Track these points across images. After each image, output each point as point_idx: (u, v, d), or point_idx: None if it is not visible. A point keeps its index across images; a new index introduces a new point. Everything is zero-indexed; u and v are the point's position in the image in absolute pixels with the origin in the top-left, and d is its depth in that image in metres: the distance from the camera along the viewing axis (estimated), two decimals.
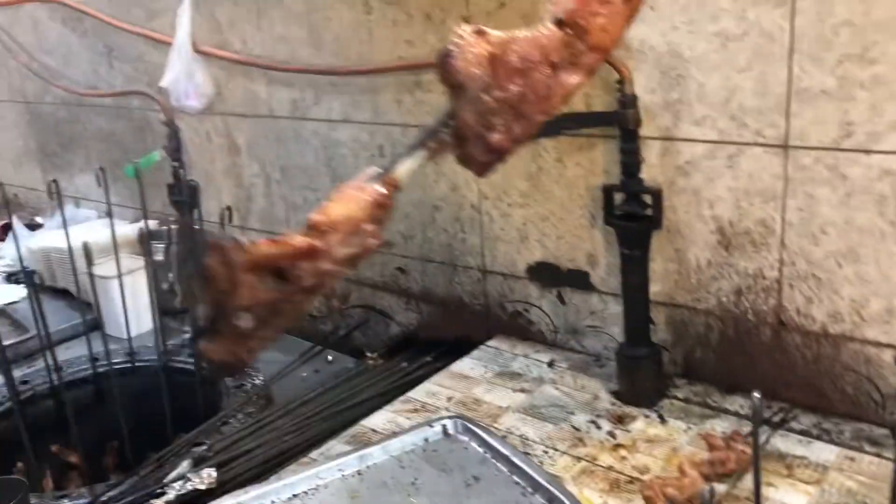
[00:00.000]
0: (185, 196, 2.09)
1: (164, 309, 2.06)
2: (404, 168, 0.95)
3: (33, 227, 2.83)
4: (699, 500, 1.17)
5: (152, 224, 2.21)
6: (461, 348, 1.79)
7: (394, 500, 1.23)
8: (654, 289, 1.52)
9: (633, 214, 1.47)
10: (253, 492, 1.25)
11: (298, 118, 2.03)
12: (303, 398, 1.68)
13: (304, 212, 2.09)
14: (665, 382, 1.54)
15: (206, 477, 1.37)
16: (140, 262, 2.16)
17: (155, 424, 1.87)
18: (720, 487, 1.22)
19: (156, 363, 1.99)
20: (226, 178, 2.26)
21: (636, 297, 1.49)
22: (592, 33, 0.88)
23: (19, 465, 1.76)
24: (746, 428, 1.37)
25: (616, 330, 1.64)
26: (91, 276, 1.88)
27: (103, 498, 1.43)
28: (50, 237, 2.50)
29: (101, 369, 2.00)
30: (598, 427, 1.43)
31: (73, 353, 2.06)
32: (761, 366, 1.48)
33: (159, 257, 2.19)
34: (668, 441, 1.37)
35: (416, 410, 1.54)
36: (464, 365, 1.71)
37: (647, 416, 1.45)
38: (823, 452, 1.31)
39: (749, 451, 1.27)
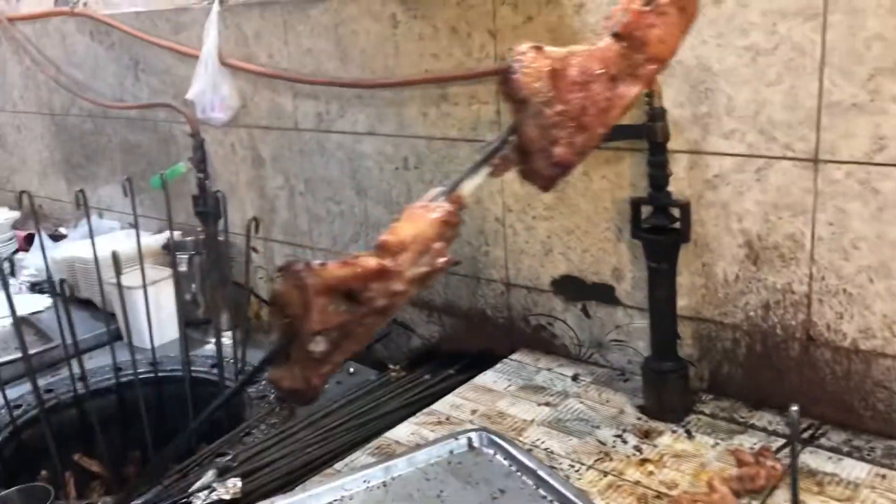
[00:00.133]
0: (210, 207, 2.10)
1: (187, 320, 2.07)
2: (469, 186, 0.96)
3: (56, 237, 2.86)
4: None
5: (177, 235, 2.22)
6: (484, 361, 1.78)
7: None
8: (681, 303, 1.51)
9: (660, 227, 1.46)
10: (279, 502, 1.25)
11: (323, 131, 2.04)
12: (325, 409, 1.68)
13: (328, 224, 2.12)
14: (691, 397, 1.53)
15: (232, 487, 1.37)
16: (164, 272, 2.18)
17: (176, 434, 1.87)
18: None
19: (179, 373, 1.99)
20: (249, 189, 2.27)
21: (663, 310, 1.48)
22: (650, 45, 0.89)
23: (43, 472, 1.77)
24: (774, 444, 1.36)
25: (641, 344, 1.63)
26: (119, 286, 1.89)
27: None
28: (73, 248, 2.52)
29: (124, 379, 2.01)
30: (625, 441, 1.42)
31: (95, 363, 2.07)
32: (789, 381, 1.46)
33: (183, 268, 2.20)
34: (695, 456, 1.36)
35: (439, 423, 1.53)
36: (487, 378, 1.70)
37: (673, 432, 1.44)
38: (854, 470, 1.29)
39: (779, 466, 1.26)
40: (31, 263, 2.77)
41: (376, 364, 1.96)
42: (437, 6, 1.74)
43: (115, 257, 1.75)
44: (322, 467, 1.45)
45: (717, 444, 1.39)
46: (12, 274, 2.74)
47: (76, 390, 1.93)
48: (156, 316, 2.02)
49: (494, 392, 1.64)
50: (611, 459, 1.37)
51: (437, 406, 1.60)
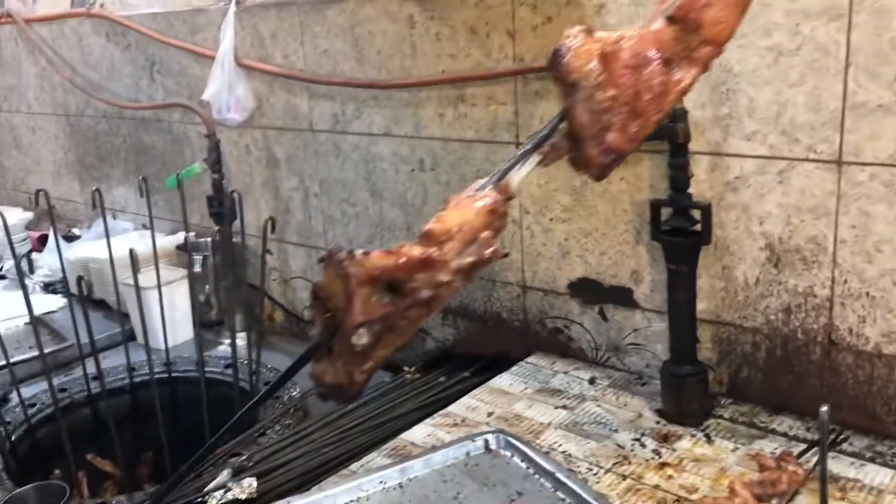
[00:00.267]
0: (225, 208, 2.10)
1: (201, 320, 2.07)
2: (518, 176, 0.91)
3: (70, 238, 2.86)
4: None
5: (191, 236, 2.22)
6: (498, 365, 1.77)
7: None
8: (700, 306, 1.49)
9: (680, 230, 1.45)
10: (295, 502, 1.24)
11: (339, 132, 2.04)
12: (340, 411, 1.67)
13: (343, 226, 2.11)
14: (710, 402, 1.51)
15: (247, 486, 1.36)
16: (178, 273, 2.18)
17: (189, 435, 1.87)
18: None
19: (193, 374, 1.99)
20: (264, 190, 2.27)
21: (682, 313, 1.47)
22: (706, 26, 0.86)
23: (56, 471, 1.76)
24: (796, 448, 1.34)
25: (659, 348, 1.61)
26: (136, 286, 1.89)
27: None
28: (87, 248, 2.53)
29: (137, 379, 2.01)
30: (643, 445, 1.41)
31: (109, 363, 2.06)
32: (810, 386, 1.45)
33: (197, 269, 2.19)
34: (715, 461, 1.34)
35: (455, 425, 1.52)
36: (503, 381, 1.69)
37: (693, 436, 1.42)
38: (878, 475, 1.27)
39: (801, 471, 1.24)
40: (45, 263, 2.78)
41: (390, 366, 1.94)
42: (455, 7, 1.73)
43: (133, 256, 1.74)
44: (337, 468, 1.44)
45: (737, 448, 1.37)
46: (31, 271, 2.75)
47: (90, 390, 1.93)
48: (170, 316, 2.02)
49: (510, 395, 1.63)
50: (629, 463, 1.36)
51: (452, 408, 1.59)
